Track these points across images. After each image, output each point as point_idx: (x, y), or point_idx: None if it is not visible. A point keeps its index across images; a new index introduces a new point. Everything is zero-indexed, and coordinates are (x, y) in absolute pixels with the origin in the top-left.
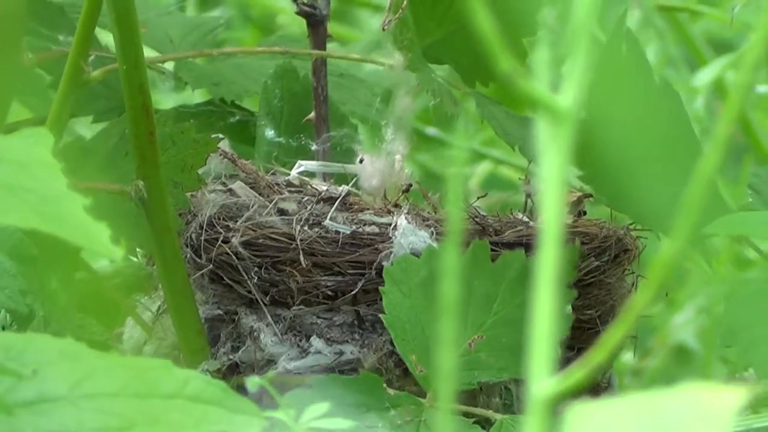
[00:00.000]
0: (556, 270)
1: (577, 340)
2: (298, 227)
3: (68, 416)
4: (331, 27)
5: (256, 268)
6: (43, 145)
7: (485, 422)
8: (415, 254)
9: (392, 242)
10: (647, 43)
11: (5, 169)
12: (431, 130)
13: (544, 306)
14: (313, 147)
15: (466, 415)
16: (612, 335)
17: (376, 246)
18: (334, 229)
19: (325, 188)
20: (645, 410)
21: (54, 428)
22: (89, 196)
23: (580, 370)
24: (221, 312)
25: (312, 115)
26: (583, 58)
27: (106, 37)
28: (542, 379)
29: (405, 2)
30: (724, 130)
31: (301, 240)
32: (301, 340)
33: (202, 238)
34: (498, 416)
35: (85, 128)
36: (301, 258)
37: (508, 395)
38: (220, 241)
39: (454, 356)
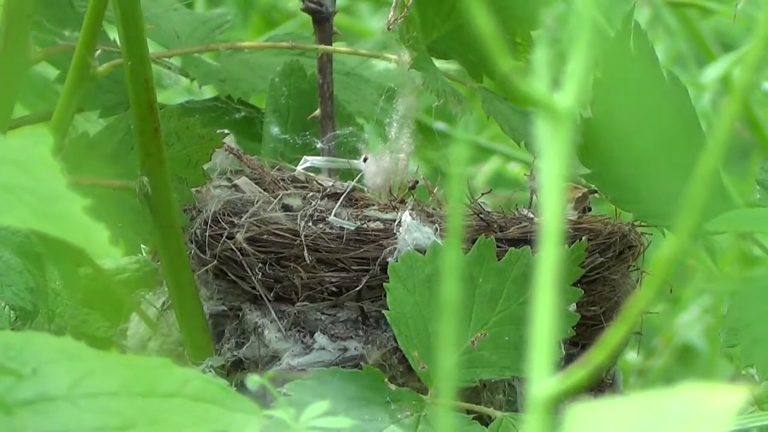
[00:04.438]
0: (557, 269)
1: (581, 336)
2: (303, 223)
3: (68, 415)
4: (336, 19)
5: (260, 264)
6: (43, 145)
7: (488, 419)
8: (420, 250)
9: (396, 238)
10: (656, 39)
11: (5, 169)
12: (439, 125)
13: (545, 305)
14: (318, 145)
15: (469, 412)
16: (614, 333)
17: (380, 242)
18: (338, 225)
19: (330, 184)
20: (645, 410)
21: (54, 427)
22: (92, 193)
23: (581, 370)
24: (225, 308)
25: (317, 111)
26: (583, 56)
27: (114, 32)
28: (543, 379)
29: (411, 1)
30: (726, 126)
31: (305, 236)
32: (305, 337)
33: (207, 233)
34: (499, 414)
35: (91, 123)
36: (306, 254)
37: (511, 392)
38: (224, 237)
39: (455, 353)
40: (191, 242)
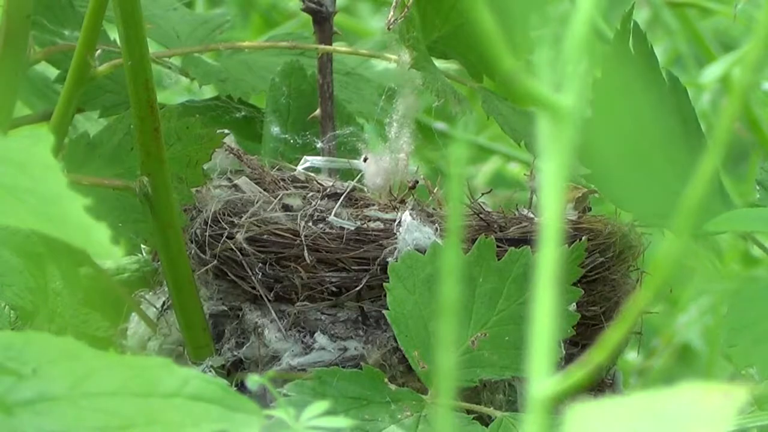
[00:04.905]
0: (556, 269)
1: (581, 336)
2: (303, 223)
3: (68, 415)
4: (336, 19)
5: (260, 264)
6: (43, 145)
7: (488, 419)
8: (420, 250)
9: (397, 238)
10: (656, 40)
11: (5, 170)
12: (439, 125)
13: (544, 305)
14: (318, 145)
15: (469, 411)
16: (614, 333)
17: (380, 242)
18: (338, 225)
19: (330, 184)
20: (645, 410)
21: (54, 427)
22: (92, 193)
23: (580, 370)
24: (225, 308)
25: (317, 111)
26: (584, 56)
27: (114, 32)
28: (542, 379)
29: (411, 1)
30: (726, 126)
31: (305, 236)
32: (305, 336)
33: (207, 233)
34: (499, 413)
35: (92, 123)
36: (306, 254)
37: (511, 392)
38: (224, 237)
39: (455, 354)
40: (191, 242)
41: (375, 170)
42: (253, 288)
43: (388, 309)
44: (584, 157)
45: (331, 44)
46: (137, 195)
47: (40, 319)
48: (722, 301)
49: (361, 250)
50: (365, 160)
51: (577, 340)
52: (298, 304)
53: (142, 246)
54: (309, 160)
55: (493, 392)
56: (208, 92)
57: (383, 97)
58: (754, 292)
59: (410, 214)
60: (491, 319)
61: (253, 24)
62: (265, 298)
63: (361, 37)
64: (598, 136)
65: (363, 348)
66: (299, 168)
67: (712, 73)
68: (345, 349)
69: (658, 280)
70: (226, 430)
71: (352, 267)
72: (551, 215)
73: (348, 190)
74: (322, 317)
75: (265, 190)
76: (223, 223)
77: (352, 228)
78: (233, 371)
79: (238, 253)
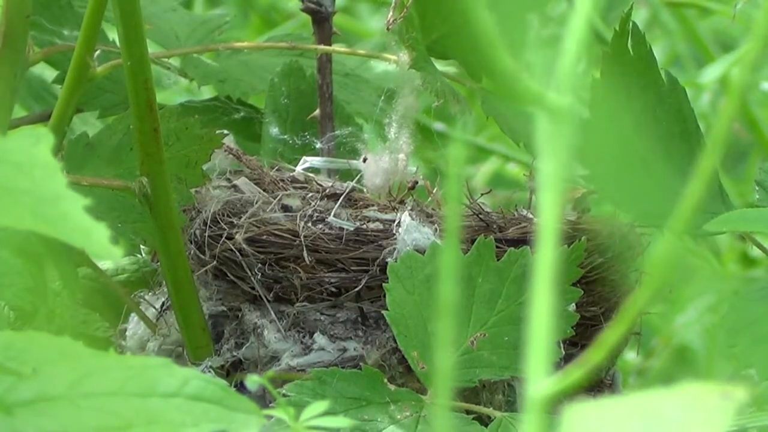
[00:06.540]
0: (554, 269)
1: (580, 336)
2: (302, 224)
3: (68, 415)
4: (336, 20)
5: (259, 265)
6: (42, 145)
7: (488, 419)
8: (419, 251)
9: (396, 239)
10: (654, 40)
11: (4, 170)
12: (439, 125)
13: (542, 305)
14: (318, 145)
15: (468, 412)
16: (612, 333)
17: (379, 242)
18: (337, 226)
19: (329, 184)
20: (644, 410)
21: (53, 427)
22: (92, 193)
23: (578, 369)
24: (225, 308)
25: (317, 112)
26: (583, 56)
27: (113, 32)
28: (540, 379)
29: (410, 1)
30: (724, 126)
31: (304, 236)
32: (304, 337)
33: (206, 234)
34: (498, 414)
35: (89, 126)
36: (305, 254)
37: (511, 392)
38: (224, 238)
39: (453, 354)
40: (190, 243)
41: (374, 171)
42: (253, 288)
43: (387, 309)
44: (583, 157)
45: (330, 45)
46: (136, 195)
47: (39, 320)
48: (721, 301)
49: (361, 250)
50: (364, 160)
51: (577, 340)
52: (297, 304)
53: (142, 246)
54: (308, 161)
55: (492, 392)
56: (207, 93)
57: (382, 97)
58: (754, 292)
59: (409, 215)
60: (490, 320)
61: (252, 24)
62: (265, 299)
63: (361, 38)
64: (597, 137)
65: (362, 348)
66: (298, 168)
67: (711, 73)
68: (344, 350)
69: (657, 280)
70: (225, 430)
71: (352, 267)
72: (550, 216)
73: (347, 190)
74: (322, 318)
75: (264, 190)
76: (222, 224)
77: (352, 228)
78: (232, 372)
79: (238, 254)
